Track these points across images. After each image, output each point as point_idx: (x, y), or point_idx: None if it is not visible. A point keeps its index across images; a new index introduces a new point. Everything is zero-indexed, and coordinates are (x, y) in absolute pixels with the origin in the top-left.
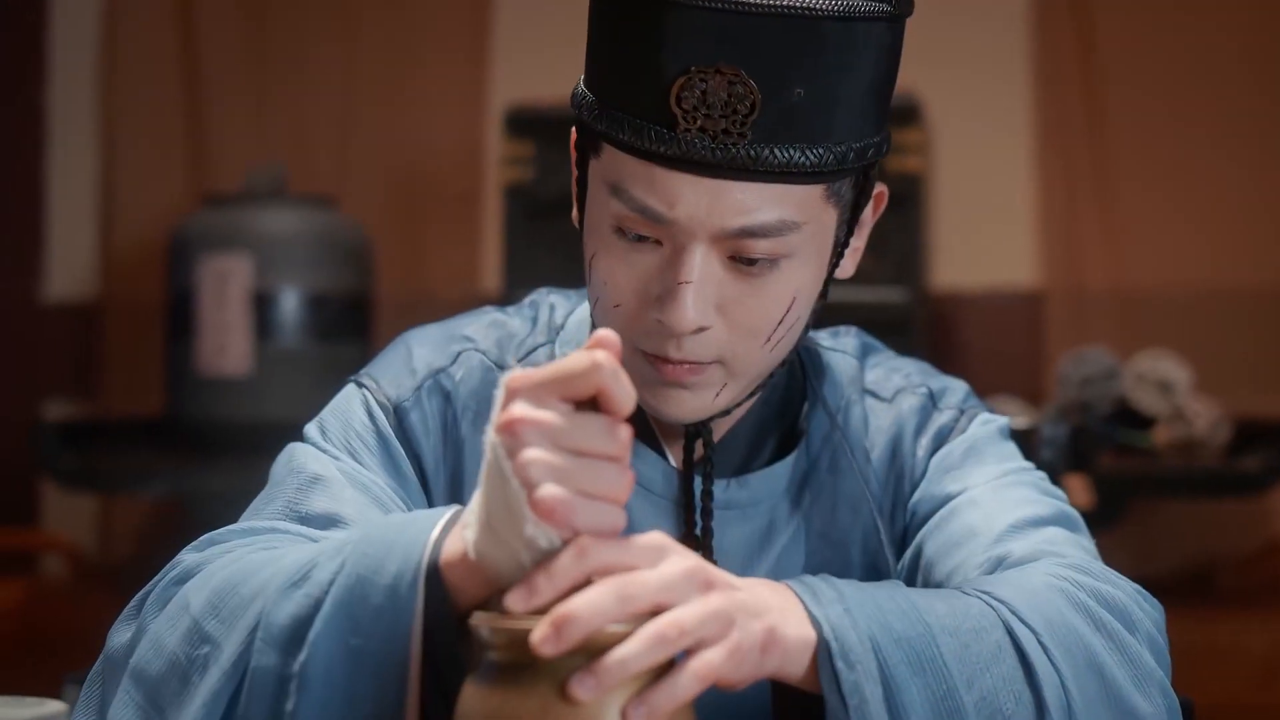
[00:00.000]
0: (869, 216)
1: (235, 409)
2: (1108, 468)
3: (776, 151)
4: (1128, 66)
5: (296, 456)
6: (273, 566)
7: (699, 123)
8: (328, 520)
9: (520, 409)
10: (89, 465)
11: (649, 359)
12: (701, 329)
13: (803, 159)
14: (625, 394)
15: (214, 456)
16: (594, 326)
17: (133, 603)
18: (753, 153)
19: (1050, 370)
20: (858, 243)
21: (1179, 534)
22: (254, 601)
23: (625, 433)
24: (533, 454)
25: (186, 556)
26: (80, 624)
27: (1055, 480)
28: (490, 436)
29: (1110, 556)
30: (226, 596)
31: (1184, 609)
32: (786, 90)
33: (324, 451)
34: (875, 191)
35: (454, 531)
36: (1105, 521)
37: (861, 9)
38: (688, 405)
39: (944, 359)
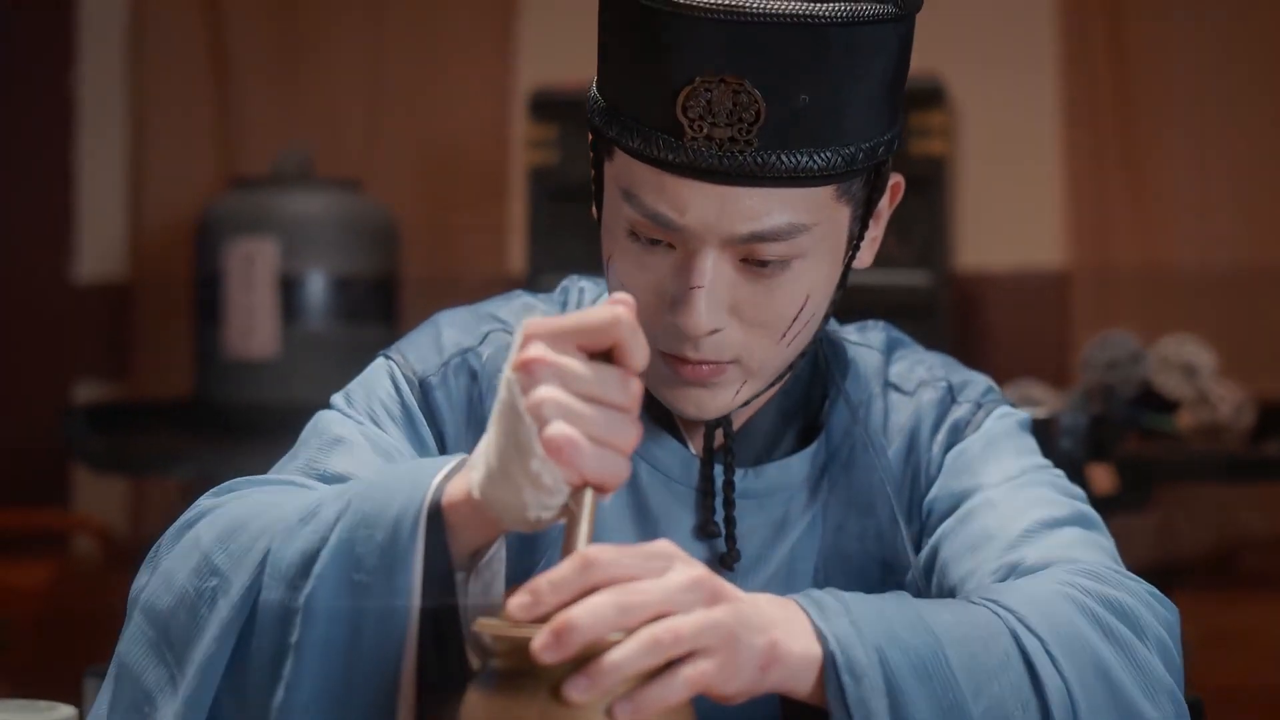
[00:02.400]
0: (885, 207)
1: (262, 391)
2: (1132, 452)
3: (784, 157)
4: (1156, 45)
5: (321, 421)
6: (282, 506)
7: (705, 131)
8: (344, 480)
9: (539, 350)
10: (118, 448)
11: (667, 359)
12: (715, 331)
13: (811, 163)
14: (641, 349)
15: (242, 439)
16: None
17: (153, 548)
18: (760, 159)
19: (1076, 352)
20: (875, 232)
21: (1202, 517)
22: (262, 536)
23: (637, 386)
24: (547, 392)
25: (204, 502)
26: (109, 605)
27: (1077, 468)
28: (506, 374)
29: (1134, 540)
30: (236, 532)
31: (1207, 592)
32: (792, 97)
33: (348, 417)
34: (891, 183)
35: (458, 475)
36: (1130, 506)
37: (867, 13)
38: (707, 404)
39: (969, 342)
